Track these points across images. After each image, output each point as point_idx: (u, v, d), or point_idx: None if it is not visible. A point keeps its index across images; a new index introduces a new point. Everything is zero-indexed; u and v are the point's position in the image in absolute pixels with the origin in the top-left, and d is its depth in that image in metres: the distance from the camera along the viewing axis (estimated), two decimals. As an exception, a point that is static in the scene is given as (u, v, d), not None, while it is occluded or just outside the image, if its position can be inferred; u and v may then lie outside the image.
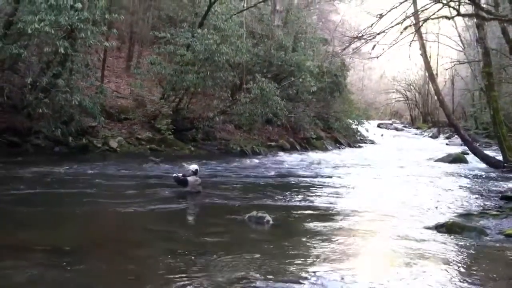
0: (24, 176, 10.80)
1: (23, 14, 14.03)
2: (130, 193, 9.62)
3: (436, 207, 9.52)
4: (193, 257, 5.48)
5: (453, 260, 5.81)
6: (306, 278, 4.88)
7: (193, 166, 9.99)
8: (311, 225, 7.60)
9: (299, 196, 10.38)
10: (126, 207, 8.15)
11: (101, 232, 6.81)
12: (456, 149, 25.41)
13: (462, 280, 5.02)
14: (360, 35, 13.47)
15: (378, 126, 49.24)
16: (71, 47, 14.60)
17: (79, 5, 13.98)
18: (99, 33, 15.51)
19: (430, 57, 27.95)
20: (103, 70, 20.65)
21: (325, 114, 30.30)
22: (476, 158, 19.30)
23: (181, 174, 9.84)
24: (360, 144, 31.01)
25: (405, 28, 12.81)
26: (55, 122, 15.15)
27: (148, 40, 25.07)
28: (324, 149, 25.56)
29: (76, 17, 14.07)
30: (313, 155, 21.86)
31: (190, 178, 9.64)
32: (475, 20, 19.17)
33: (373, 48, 13.17)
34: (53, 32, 13.78)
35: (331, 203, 9.61)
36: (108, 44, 17.19)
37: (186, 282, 4.63)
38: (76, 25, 14.26)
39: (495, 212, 8.80)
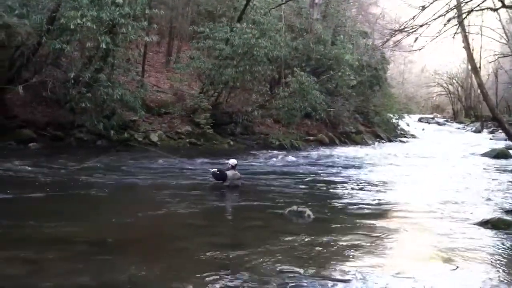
0: (69, 168, 11.03)
1: (66, 10, 14.29)
2: (169, 188, 9.70)
3: (481, 203, 9.29)
4: (233, 250, 5.48)
5: (499, 257, 5.66)
6: (347, 273, 4.82)
7: (232, 161, 9.87)
8: (353, 220, 7.51)
9: (340, 191, 10.28)
10: (165, 202, 8.21)
11: (141, 226, 6.86)
12: (500, 144, 24.76)
13: (506, 278, 4.88)
14: (401, 27, 13.22)
15: (419, 120, 48.64)
16: (113, 42, 14.82)
17: (120, 0, 14.19)
18: (140, 28, 15.66)
19: (473, 50, 27.27)
20: (143, 65, 20.93)
21: (365, 108, 30.00)
22: (521, 153, 18.79)
23: (216, 169, 9.77)
24: (401, 139, 30.57)
25: (449, 20, 12.52)
26: (97, 116, 15.41)
27: (187, 35, 25.22)
28: (364, 144, 25.28)
29: (117, 12, 14.29)
30: (353, 150, 21.65)
31: (228, 172, 9.56)
32: (521, 11, 18.60)
33: (415, 41, 12.92)
34: (95, 27, 14.02)
35: (373, 198, 9.45)
36: (149, 39, 17.36)
37: (226, 273, 4.64)
38: (117, 20, 14.48)
39: (542, 209, 8.53)
